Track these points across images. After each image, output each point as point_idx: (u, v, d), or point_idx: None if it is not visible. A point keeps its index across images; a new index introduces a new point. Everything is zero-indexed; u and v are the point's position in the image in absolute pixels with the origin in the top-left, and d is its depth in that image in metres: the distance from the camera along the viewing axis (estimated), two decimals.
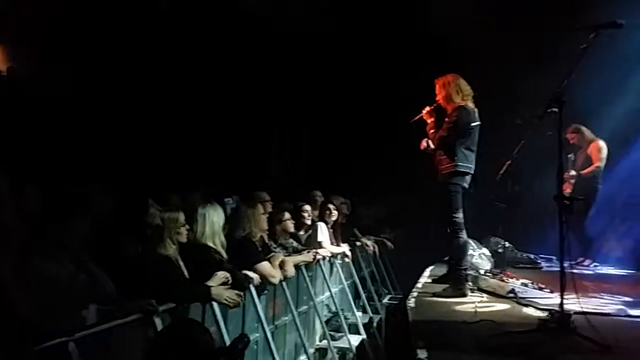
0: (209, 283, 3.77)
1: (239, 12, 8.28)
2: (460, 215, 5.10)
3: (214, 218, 4.27)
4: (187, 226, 3.97)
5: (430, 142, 5.24)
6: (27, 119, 6.50)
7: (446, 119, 5.14)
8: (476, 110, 5.12)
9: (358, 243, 7.99)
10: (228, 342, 3.41)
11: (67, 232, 3.10)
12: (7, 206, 3.10)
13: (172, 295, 3.46)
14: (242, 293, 3.96)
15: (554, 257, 7.27)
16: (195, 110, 8.51)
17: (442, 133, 5.12)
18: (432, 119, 5.26)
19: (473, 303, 4.79)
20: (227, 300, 3.79)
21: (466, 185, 5.15)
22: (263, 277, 4.57)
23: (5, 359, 2.51)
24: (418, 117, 5.30)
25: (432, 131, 5.24)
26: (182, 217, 3.92)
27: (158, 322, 3.22)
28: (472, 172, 5.16)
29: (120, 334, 3.02)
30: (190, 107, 8.42)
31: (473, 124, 5.08)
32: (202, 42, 8.20)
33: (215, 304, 3.82)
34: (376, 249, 8.44)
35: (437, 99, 5.21)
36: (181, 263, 3.89)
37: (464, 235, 5.13)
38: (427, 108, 5.26)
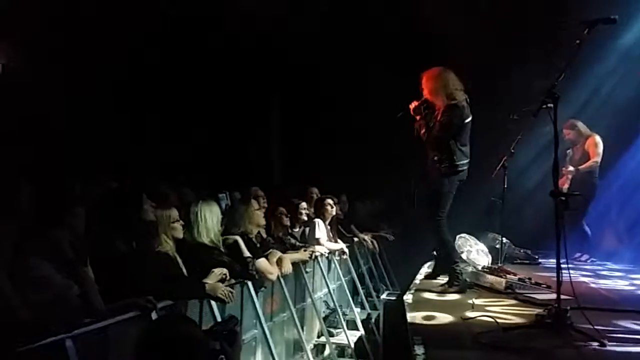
0: (206, 280, 3.77)
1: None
2: (444, 214, 5.09)
3: (208, 216, 4.26)
4: (182, 221, 3.95)
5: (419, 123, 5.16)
6: (18, 116, 6.48)
7: (438, 118, 5.03)
8: (467, 105, 5.01)
9: (356, 239, 8.00)
10: None
11: (63, 233, 3.07)
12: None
13: (169, 291, 3.46)
14: (233, 291, 3.95)
15: (551, 253, 7.28)
16: (184, 105, 8.50)
17: (437, 134, 5.01)
18: (420, 116, 5.13)
19: (470, 299, 4.80)
20: (221, 295, 3.78)
21: (464, 178, 5.13)
22: (261, 273, 4.58)
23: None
24: (404, 112, 5.19)
25: (422, 131, 5.11)
26: (174, 212, 3.90)
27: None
28: (469, 165, 5.12)
29: (118, 331, 3.01)
30: (179, 102, 8.42)
31: (466, 121, 5.01)
32: (185, 41, 8.21)
33: (213, 302, 3.83)
34: (375, 245, 8.45)
35: (423, 93, 5.09)
36: (179, 260, 3.89)
37: (445, 232, 5.14)
38: (414, 103, 5.14)
